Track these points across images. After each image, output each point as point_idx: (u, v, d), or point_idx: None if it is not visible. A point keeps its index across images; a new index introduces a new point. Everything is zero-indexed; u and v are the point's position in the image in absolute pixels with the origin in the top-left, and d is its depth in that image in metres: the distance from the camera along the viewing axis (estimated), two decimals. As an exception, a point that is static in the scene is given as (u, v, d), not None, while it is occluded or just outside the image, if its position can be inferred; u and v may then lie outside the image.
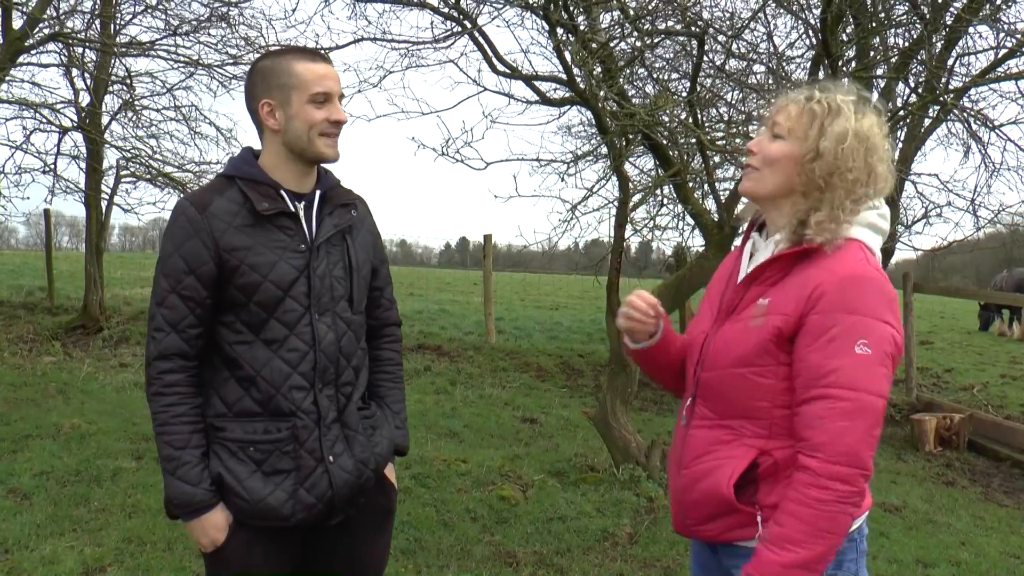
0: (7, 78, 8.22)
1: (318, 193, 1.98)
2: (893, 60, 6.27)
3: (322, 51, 2.14)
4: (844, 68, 5.66)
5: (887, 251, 8.98)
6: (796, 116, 1.72)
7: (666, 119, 5.42)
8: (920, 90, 6.29)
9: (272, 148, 1.94)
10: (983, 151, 7.57)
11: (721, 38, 5.97)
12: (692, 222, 7.20)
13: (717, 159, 6.72)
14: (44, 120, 9.19)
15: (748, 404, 1.69)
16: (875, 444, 1.59)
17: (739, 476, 1.66)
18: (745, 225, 1.91)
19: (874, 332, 1.57)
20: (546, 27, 5.24)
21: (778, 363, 1.65)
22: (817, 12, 5.77)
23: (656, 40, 5.90)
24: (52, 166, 9.30)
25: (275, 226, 1.89)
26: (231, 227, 1.85)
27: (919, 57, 5.95)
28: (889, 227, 1.77)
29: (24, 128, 9.17)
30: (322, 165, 2.01)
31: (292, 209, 1.92)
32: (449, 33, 5.84)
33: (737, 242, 1.94)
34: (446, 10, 5.61)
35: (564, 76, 5.20)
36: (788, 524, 1.58)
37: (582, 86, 4.97)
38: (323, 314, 1.92)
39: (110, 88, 9.57)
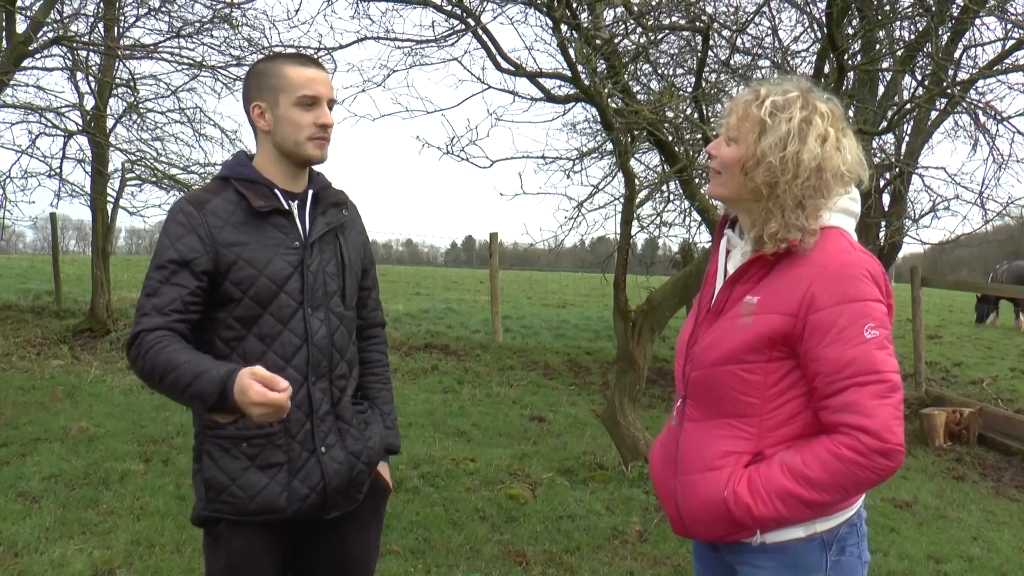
0: (12, 83, 8.23)
1: (310, 193, 2.03)
2: (899, 53, 6.23)
3: (319, 55, 2.17)
4: (850, 61, 5.63)
5: (894, 245, 8.94)
6: (741, 119, 1.69)
7: (671, 115, 5.40)
8: (927, 83, 6.24)
9: (264, 149, 2.00)
10: (991, 143, 7.53)
11: (726, 33, 5.95)
12: (699, 218, 7.17)
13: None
14: (49, 124, 9.19)
15: (738, 402, 1.68)
16: (903, 420, 1.65)
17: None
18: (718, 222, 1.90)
19: (875, 313, 1.61)
20: (550, 24, 5.22)
21: (768, 359, 1.66)
22: (822, 5, 5.75)
23: (660, 36, 5.87)
24: (58, 170, 9.31)
25: (270, 224, 1.94)
26: (228, 224, 1.90)
27: (925, 50, 5.91)
28: (860, 209, 1.78)
29: (30, 132, 9.16)
30: (313, 167, 2.06)
31: (286, 207, 1.97)
32: (452, 31, 5.82)
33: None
34: (449, 8, 5.58)
35: (568, 73, 5.17)
36: (812, 467, 1.60)
37: (586, 83, 4.95)
38: (316, 309, 1.96)
39: (114, 91, 9.56)
